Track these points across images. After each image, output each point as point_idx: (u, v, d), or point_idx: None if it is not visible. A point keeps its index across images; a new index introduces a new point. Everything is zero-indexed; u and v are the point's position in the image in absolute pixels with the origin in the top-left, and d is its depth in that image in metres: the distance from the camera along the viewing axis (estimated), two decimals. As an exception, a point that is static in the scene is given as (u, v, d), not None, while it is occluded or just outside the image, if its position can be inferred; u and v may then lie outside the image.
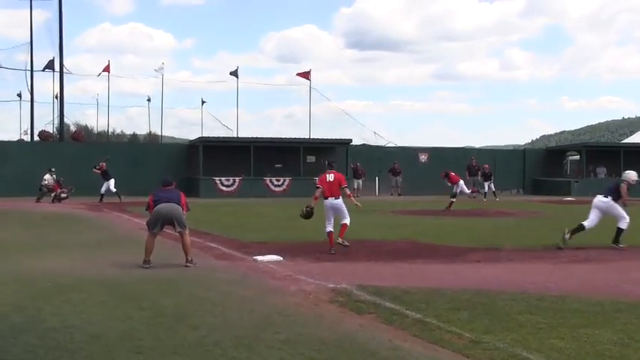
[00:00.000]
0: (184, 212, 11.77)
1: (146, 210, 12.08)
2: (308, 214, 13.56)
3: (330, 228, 13.25)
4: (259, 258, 12.19)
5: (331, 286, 9.38)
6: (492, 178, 35.61)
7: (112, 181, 30.26)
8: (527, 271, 11.26)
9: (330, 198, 13.29)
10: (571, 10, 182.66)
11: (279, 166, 37.90)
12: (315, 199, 13.44)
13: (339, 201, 13.33)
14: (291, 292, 9.17)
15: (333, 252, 12.95)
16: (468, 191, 26.87)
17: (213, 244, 14.35)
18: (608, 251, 13.73)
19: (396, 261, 12.34)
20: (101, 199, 29.26)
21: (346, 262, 12.03)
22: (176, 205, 11.64)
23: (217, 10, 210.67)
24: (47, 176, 30.27)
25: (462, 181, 27.29)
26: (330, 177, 13.50)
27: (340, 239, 13.21)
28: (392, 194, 38.06)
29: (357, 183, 36.52)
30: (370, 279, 9.97)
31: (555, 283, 9.93)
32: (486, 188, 35.05)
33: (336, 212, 13.32)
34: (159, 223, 11.63)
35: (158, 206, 11.59)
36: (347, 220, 13.34)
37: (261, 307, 8.13)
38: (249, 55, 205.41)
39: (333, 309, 8.05)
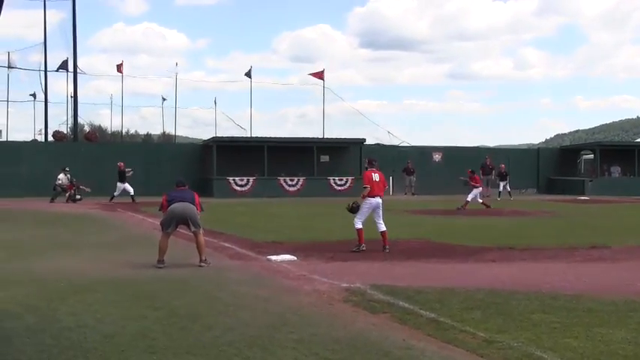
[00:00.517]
0: (198, 212, 11.80)
1: (159, 210, 12.12)
2: (353, 210, 13.66)
3: (360, 225, 13.37)
4: (273, 258, 12.20)
5: (345, 285, 9.38)
6: (508, 178, 35.56)
7: (127, 185, 29.99)
8: (540, 270, 11.22)
9: (376, 197, 13.42)
10: (585, 8, 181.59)
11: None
12: (363, 197, 13.51)
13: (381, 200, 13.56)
14: (304, 291, 9.18)
15: (359, 249, 13.11)
16: (479, 200, 26.36)
17: (226, 244, 14.38)
18: (622, 250, 13.65)
19: (410, 260, 12.34)
20: (112, 199, 29.43)
21: (360, 262, 12.02)
22: (190, 204, 11.65)
23: (231, 9, 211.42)
24: (61, 176, 30.31)
25: (480, 189, 27.06)
26: (376, 176, 13.57)
27: (387, 246, 13.41)
28: (406, 193, 38.00)
29: (409, 180, 38.46)
30: (384, 278, 9.97)
31: (569, 282, 9.90)
32: (501, 187, 35.06)
33: (376, 211, 13.47)
34: (173, 223, 11.64)
35: (172, 206, 11.60)
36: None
37: (274, 306, 8.14)
38: (263, 54, 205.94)
39: (347, 308, 8.05)
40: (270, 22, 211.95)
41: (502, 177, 35.54)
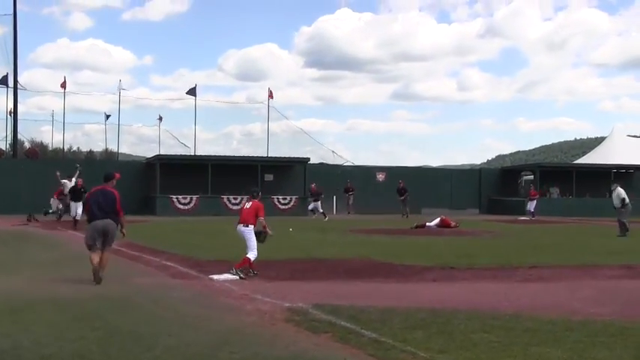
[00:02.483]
0: (120, 216, 11.82)
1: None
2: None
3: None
4: (215, 277, 12.12)
5: (287, 305, 9.36)
6: (406, 194, 36.92)
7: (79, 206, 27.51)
8: (482, 290, 11.38)
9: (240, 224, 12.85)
10: (527, 32, 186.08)
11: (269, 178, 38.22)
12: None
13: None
14: (247, 311, 9.12)
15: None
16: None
17: (169, 263, 14.23)
18: (560, 270, 13.94)
19: (353, 280, 12.37)
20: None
21: (303, 281, 12.02)
22: (111, 222, 11.66)
23: (177, 26, 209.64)
24: (65, 180, 27.20)
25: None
26: (248, 204, 13.07)
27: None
28: (349, 212, 38.24)
29: (347, 199, 39.11)
30: (327, 298, 9.97)
31: (509, 301, 10.05)
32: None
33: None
34: (97, 238, 11.59)
35: (93, 223, 11.63)
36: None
37: (216, 326, 8.08)
38: (209, 72, 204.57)
39: (289, 328, 8.03)
40: (217, 39, 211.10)
41: (400, 193, 36.91)
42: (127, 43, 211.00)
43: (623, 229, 23.97)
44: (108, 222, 11.65)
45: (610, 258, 16.09)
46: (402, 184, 37.27)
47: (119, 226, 11.85)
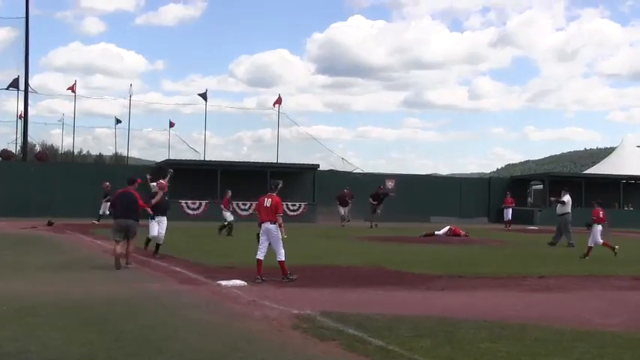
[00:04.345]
0: (144, 205, 14.86)
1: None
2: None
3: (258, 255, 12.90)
4: (223, 283, 12.12)
5: (295, 312, 9.35)
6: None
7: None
8: (490, 299, 11.35)
9: (264, 223, 12.89)
10: (539, 41, 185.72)
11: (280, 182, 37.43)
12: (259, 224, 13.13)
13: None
14: (254, 317, 9.12)
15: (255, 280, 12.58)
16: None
17: (177, 268, 14.25)
18: (569, 280, 13.89)
19: (361, 287, 12.35)
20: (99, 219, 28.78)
21: (311, 288, 12.01)
22: (131, 220, 14.27)
23: (190, 32, 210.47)
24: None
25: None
26: (267, 201, 13.01)
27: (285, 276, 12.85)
28: (348, 220, 36.30)
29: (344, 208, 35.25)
30: (334, 305, 9.97)
31: (517, 311, 10.02)
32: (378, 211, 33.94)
33: (268, 239, 12.92)
34: (120, 233, 14.11)
35: (117, 220, 14.29)
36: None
37: (224, 332, 8.08)
38: (220, 77, 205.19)
39: (297, 335, 8.02)
40: (229, 45, 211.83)
41: (375, 197, 34.34)
42: (140, 48, 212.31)
43: (560, 238, 23.43)
44: (129, 220, 14.21)
45: (619, 268, 16.02)
46: (382, 189, 35.34)
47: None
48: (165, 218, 17.06)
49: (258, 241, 12.99)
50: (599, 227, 19.12)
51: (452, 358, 6.94)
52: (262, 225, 12.88)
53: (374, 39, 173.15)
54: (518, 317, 9.38)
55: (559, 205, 23.97)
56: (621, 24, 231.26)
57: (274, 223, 12.78)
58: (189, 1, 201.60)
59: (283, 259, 12.76)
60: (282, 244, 12.80)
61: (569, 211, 23.85)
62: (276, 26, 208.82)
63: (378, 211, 33.97)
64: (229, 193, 26.32)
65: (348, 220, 35.28)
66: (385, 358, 6.91)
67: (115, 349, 7.05)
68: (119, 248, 13.94)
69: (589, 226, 19.25)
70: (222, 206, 26.14)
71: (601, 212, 19.32)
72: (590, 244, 18.82)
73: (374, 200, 34.17)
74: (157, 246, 16.75)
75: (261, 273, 12.63)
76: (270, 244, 12.84)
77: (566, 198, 23.96)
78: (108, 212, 24.56)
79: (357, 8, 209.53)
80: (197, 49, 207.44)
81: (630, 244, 24.44)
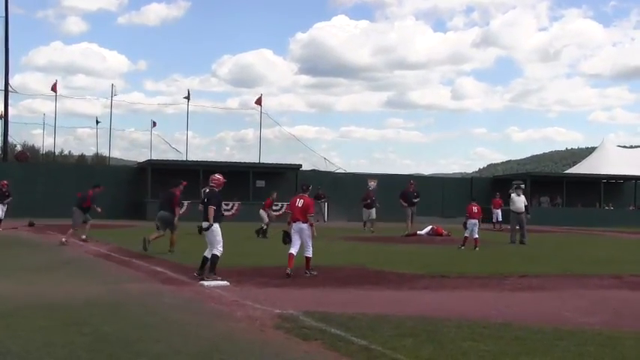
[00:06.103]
0: (177, 209, 17.95)
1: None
2: (285, 241, 13.90)
3: (291, 250, 13.49)
4: (206, 283, 12.10)
5: (277, 311, 9.34)
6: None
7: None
8: (472, 298, 11.40)
9: (297, 222, 13.58)
10: (522, 42, 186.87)
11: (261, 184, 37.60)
12: (288, 223, 13.92)
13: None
14: (237, 317, 9.10)
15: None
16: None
17: (159, 268, 14.19)
18: (549, 279, 13.98)
19: (344, 287, 12.36)
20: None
21: (294, 288, 12.00)
22: (167, 213, 17.77)
23: (173, 31, 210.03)
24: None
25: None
26: (299, 202, 13.71)
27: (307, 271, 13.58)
28: (317, 220, 35.16)
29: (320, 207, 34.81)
30: (317, 305, 9.97)
31: (499, 310, 10.07)
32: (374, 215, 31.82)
33: (300, 236, 13.57)
34: (161, 224, 17.78)
35: (158, 213, 18.04)
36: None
37: (206, 333, 8.06)
38: (203, 77, 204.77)
39: (279, 335, 8.01)
40: (212, 45, 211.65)
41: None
42: (122, 48, 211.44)
43: (517, 236, 23.73)
44: (165, 214, 17.78)
45: (600, 268, 16.15)
46: (412, 185, 31.36)
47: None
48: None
49: (284, 239, 13.79)
50: (474, 221, 21.00)
51: (434, 357, 6.96)
52: (295, 224, 13.53)
53: (357, 39, 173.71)
54: (499, 316, 9.42)
55: (520, 202, 24.15)
56: (604, 25, 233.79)
57: (305, 223, 13.43)
58: (171, 1, 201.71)
59: (311, 255, 13.55)
60: (311, 242, 13.52)
61: (517, 209, 24.13)
62: (259, 26, 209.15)
63: (413, 211, 29.10)
64: (275, 194, 26.19)
65: (322, 221, 35.10)
66: (368, 357, 6.92)
67: (97, 350, 7.01)
68: (154, 234, 17.59)
69: (465, 224, 21.19)
70: (263, 209, 25.79)
71: (474, 208, 21.21)
72: (467, 234, 21.02)
73: (405, 201, 29.09)
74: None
75: (292, 266, 13.14)
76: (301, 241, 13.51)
77: (515, 195, 24.36)
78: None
79: (340, 8, 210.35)
80: (180, 48, 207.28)
81: (610, 243, 24.63)
